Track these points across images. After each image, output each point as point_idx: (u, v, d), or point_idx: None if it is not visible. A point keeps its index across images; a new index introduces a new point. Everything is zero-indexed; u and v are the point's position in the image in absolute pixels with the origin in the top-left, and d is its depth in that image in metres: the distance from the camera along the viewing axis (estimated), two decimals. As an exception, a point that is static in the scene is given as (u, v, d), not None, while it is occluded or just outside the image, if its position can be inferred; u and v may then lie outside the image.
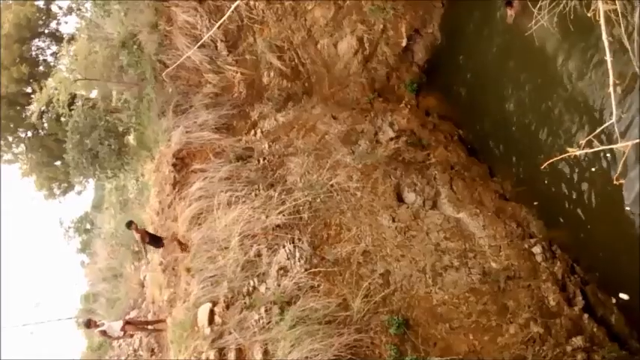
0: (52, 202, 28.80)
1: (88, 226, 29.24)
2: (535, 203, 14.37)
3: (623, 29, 7.72)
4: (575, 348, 11.21)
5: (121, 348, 17.53)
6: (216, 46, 16.74)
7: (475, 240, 13.42)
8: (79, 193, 29.77)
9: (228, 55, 16.81)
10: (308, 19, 16.97)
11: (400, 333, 11.12)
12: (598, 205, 12.73)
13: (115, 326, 14.09)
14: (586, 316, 11.99)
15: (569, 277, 12.86)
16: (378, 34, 17.45)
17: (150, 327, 14.94)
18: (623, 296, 12.26)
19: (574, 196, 13.29)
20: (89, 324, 14.09)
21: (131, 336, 15.28)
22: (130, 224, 14.47)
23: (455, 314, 11.71)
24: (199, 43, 14.78)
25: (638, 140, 5.55)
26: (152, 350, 15.25)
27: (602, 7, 5.93)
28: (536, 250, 13.22)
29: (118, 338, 15.29)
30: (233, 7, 14.35)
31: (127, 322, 14.33)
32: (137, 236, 14.73)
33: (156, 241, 14.72)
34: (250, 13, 16.53)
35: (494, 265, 12.80)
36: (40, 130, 24.92)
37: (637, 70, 9.88)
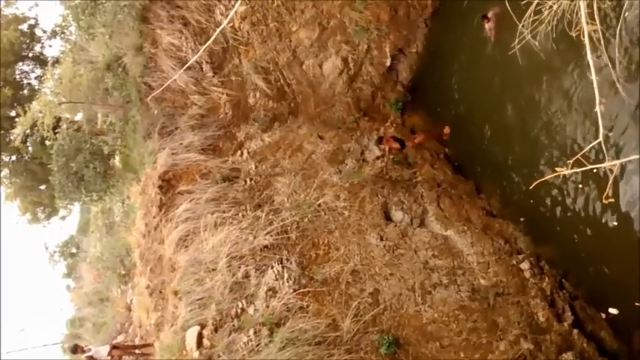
0: (36, 226, 28.47)
1: (74, 250, 28.92)
2: (522, 219, 14.42)
3: (603, 47, 7.85)
4: (566, 364, 11.22)
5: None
6: (201, 68, 16.79)
7: (463, 257, 13.44)
8: (63, 218, 29.46)
9: (213, 77, 16.85)
10: (293, 40, 17.08)
11: (391, 352, 11.06)
12: (585, 221, 12.78)
13: (102, 351, 13.91)
14: (575, 331, 11.98)
15: (558, 293, 12.88)
16: (363, 54, 17.60)
17: (137, 351, 14.74)
18: (613, 311, 12.28)
19: (561, 212, 13.36)
20: (75, 349, 13.92)
21: (120, 358, 15.07)
22: (380, 140, 14.16)
23: (445, 332, 11.68)
24: (186, 66, 14.82)
25: (625, 159, 5.64)
26: (139, 376, 15.02)
27: (586, 28, 6.04)
28: (524, 266, 13.25)
29: None
30: (219, 30, 14.43)
31: (114, 347, 14.15)
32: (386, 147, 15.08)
33: (400, 142, 14.55)
34: (235, 35, 16.61)
35: (483, 281, 12.81)
36: (24, 154, 24.69)
37: (619, 87, 10.02)
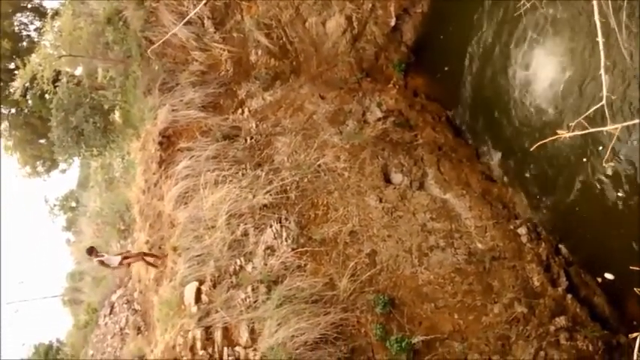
0: (35, 179, 28.45)
1: (74, 204, 28.99)
2: (521, 184, 14.44)
3: (611, 10, 7.71)
4: (559, 328, 11.39)
5: (107, 326, 17.51)
6: (203, 24, 16.51)
7: (461, 221, 13.50)
8: (64, 171, 29.33)
9: (215, 33, 16.59)
10: (296, -3, 16.78)
11: (386, 312, 11.23)
12: (585, 188, 12.82)
13: (114, 260, 13.98)
14: (569, 296, 12.14)
15: (554, 258, 13.00)
16: (367, 14, 17.30)
17: (148, 259, 14.68)
18: (609, 276, 12.43)
19: (561, 178, 13.38)
20: (91, 251, 13.98)
21: (129, 266, 15.10)
22: None
23: (440, 294, 11.83)
24: (185, 20, 14.58)
25: (627, 123, 5.56)
26: (138, 328, 15.24)
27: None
28: (522, 231, 13.33)
29: (115, 268, 15.14)
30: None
31: (125, 257, 14.19)
32: None
33: None
34: (238, -10, 16.32)
35: (479, 245, 12.90)
36: (24, 108, 24.48)
37: (623, 51, 9.91)
